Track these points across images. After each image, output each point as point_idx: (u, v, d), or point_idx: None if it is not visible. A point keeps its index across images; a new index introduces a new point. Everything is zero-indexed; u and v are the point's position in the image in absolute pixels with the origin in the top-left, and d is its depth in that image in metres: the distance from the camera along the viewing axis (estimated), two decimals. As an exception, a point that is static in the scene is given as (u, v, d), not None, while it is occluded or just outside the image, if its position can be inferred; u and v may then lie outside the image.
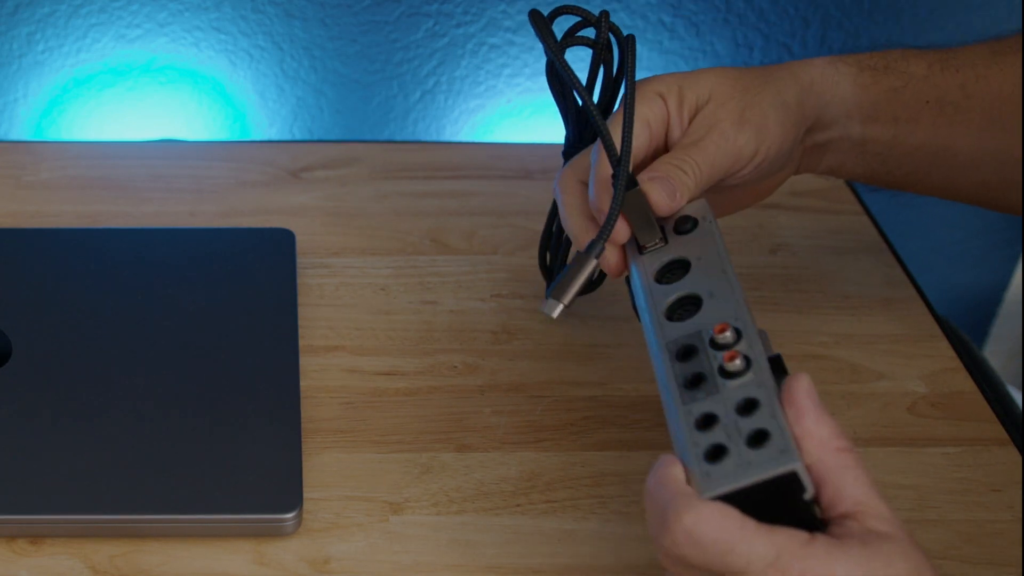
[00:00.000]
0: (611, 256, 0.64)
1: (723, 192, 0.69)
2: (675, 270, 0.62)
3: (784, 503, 0.52)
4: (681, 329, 0.59)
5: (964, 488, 0.68)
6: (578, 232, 0.65)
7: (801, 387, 0.53)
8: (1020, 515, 0.67)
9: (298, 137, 1.18)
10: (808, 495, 0.52)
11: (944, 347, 0.78)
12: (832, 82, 0.70)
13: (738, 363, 0.55)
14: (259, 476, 0.64)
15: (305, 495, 0.65)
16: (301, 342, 0.75)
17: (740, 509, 0.51)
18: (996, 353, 1.42)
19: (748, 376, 0.55)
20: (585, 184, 0.66)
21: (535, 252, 0.82)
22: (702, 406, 0.55)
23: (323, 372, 0.75)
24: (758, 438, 0.53)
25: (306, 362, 0.75)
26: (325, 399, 0.73)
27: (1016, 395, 1.30)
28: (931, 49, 0.73)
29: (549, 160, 0.95)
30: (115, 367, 0.71)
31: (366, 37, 1.13)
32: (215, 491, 0.64)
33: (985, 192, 0.75)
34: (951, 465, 0.70)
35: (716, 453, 0.53)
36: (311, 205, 0.89)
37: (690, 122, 0.67)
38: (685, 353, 0.58)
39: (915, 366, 0.76)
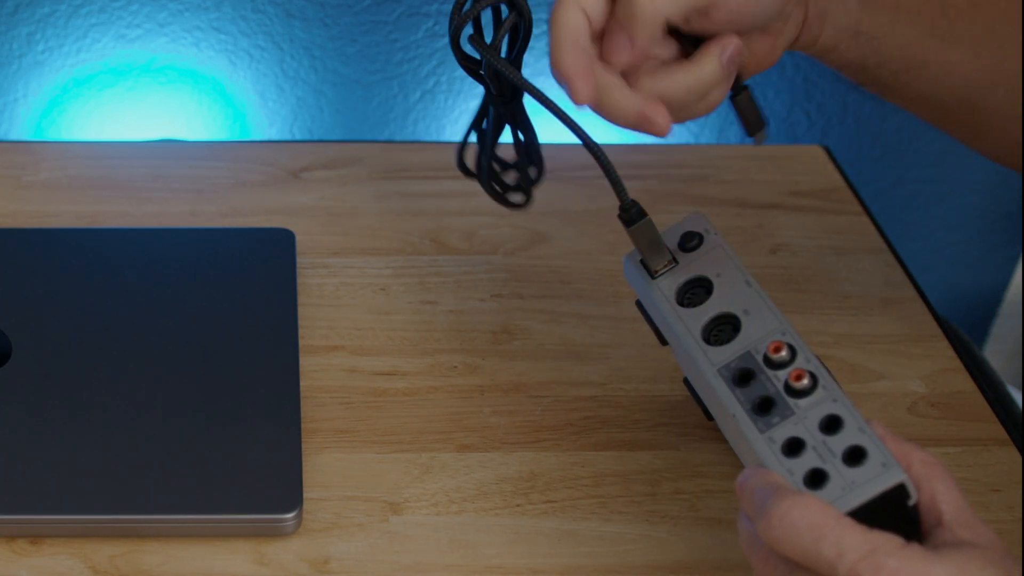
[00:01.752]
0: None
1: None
2: (696, 290, 0.61)
3: (889, 516, 0.51)
4: (729, 352, 0.58)
5: (964, 488, 0.68)
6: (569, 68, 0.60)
7: (876, 423, 0.54)
8: (1020, 515, 0.67)
9: (298, 137, 1.18)
10: (912, 500, 0.51)
11: (944, 347, 0.78)
12: None
13: (806, 381, 0.54)
14: (259, 476, 0.64)
15: (305, 495, 0.65)
16: (301, 342, 0.75)
17: None
18: (996, 353, 1.42)
19: (819, 392, 0.54)
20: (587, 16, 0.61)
21: (535, 252, 0.83)
22: (783, 431, 0.54)
23: (323, 372, 0.75)
24: (854, 455, 0.52)
25: (306, 362, 0.75)
26: (325, 399, 0.73)
27: (1016, 395, 1.30)
28: None
29: (549, 160, 0.95)
30: (115, 367, 0.71)
31: (366, 37, 1.13)
32: (215, 491, 0.64)
33: (969, 114, 0.73)
34: (951, 465, 0.70)
35: (816, 478, 0.52)
36: (311, 205, 0.89)
37: None
38: (743, 377, 0.57)
39: (915, 366, 0.76)
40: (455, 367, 0.75)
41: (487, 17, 0.66)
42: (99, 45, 1.10)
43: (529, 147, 0.71)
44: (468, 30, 0.67)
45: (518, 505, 0.67)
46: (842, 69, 0.72)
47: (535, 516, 0.66)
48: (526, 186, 0.71)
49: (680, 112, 0.64)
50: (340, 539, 0.64)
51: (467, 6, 0.64)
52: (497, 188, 0.71)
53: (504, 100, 0.68)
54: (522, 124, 0.70)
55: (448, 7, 1.11)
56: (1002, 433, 0.72)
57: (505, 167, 0.72)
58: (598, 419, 0.72)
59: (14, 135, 1.15)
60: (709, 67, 0.63)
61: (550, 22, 0.61)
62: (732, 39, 0.63)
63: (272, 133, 1.17)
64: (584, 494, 0.68)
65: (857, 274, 0.83)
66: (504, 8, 0.65)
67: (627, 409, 0.73)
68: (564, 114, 0.62)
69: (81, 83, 1.12)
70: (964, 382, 0.76)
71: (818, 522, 0.49)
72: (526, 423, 0.72)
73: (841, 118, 1.26)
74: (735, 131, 1.22)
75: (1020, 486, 0.69)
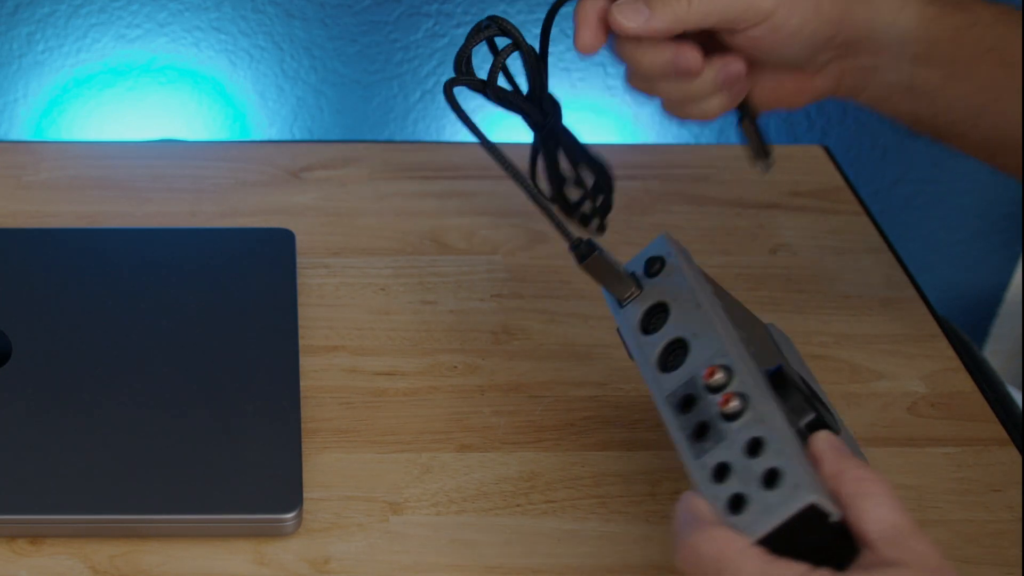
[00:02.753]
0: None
1: (751, 77, 0.67)
2: (656, 316, 0.61)
3: (814, 536, 0.51)
4: (676, 379, 0.58)
5: (964, 488, 0.68)
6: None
7: (819, 441, 0.53)
8: (1020, 515, 0.67)
9: (298, 137, 1.18)
10: (834, 518, 0.51)
11: (944, 347, 0.78)
12: (896, 6, 0.67)
13: (735, 404, 0.54)
14: (259, 476, 0.64)
15: (305, 495, 0.65)
16: (301, 342, 0.75)
17: (782, 552, 0.50)
18: (996, 353, 1.42)
19: (748, 415, 0.54)
20: None
21: (535, 252, 0.83)
22: (713, 456, 0.54)
23: (323, 372, 0.75)
24: (771, 478, 0.52)
25: (306, 362, 0.75)
26: (325, 399, 0.73)
27: (1016, 395, 1.30)
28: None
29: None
30: (115, 367, 0.71)
31: (366, 37, 1.13)
32: (215, 491, 0.64)
33: (975, 149, 0.72)
34: (951, 465, 0.70)
35: (736, 504, 0.52)
36: (311, 205, 0.89)
37: None
38: (685, 403, 0.57)
39: (915, 366, 0.76)
40: (455, 367, 0.76)
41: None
42: (99, 45, 1.10)
43: (580, 166, 0.72)
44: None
45: (518, 505, 0.67)
46: (895, 119, 0.72)
47: (535, 516, 0.66)
48: (599, 213, 0.72)
49: (671, 107, 0.64)
50: (340, 539, 0.64)
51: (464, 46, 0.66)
52: (575, 213, 0.73)
53: (539, 127, 0.70)
54: (566, 147, 0.71)
55: (448, 7, 1.11)
56: (1002, 433, 0.72)
57: (574, 205, 0.73)
58: (598, 419, 0.72)
59: (14, 135, 1.15)
60: (706, 76, 0.63)
61: None
62: (736, 61, 0.63)
63: (272, 133, 1.17)
64: (584, 494, 0.68)
65: (857, 274, 0.83)
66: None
67: (627, 409, 0.73)
68: (502, 158, 0.65)
69: (81, 83, 1.12)
70: (964, 382, 0.76)
71: (721, 555, 0.50)
72: (526, 423, 0.72)
73: (841, 118, 1.26)
74: (735, 131, 1.22)
75: (1020, 486, 0.69)
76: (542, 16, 1.15)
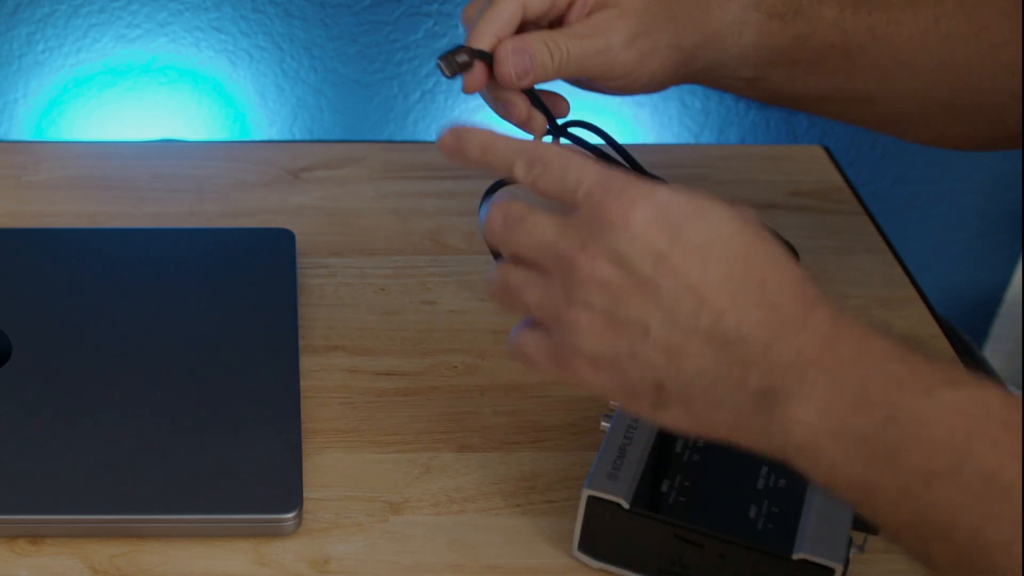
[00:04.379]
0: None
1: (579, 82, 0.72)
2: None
3: None
4: None
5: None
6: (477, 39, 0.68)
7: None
8: (1020, 515, 0.67)
9: (298, 137, 1.18)
10: None
11: (944, 347, 0.78)
12: (737, 32, 0.71)
13: None
14: (259, 476, 0.64)
15: (305, 495, 0.65)
16: (301, 342, 0.75)
17: None
18: (996, 353, 1.42)
19: None
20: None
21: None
22: None
23: (323, 372, 0.75)
24: None
25: (306, 362, 0.75)
26: (325, 399, 0.73)
27: (1016, 395, 1.30)
28: None
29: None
30: (115, 367, 0.71)
31: (366, 37, 1.13)
32: (215, 491, 0.64)
33: (878, 123, 0.77)
34: (951, 465, 0.70)
35: None
36: (311, 205, 0.89)
37: (590, 13, 0.68)
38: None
39: (915, 366, 0.76)
40: (455, 367, 0.75)
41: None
42: (99, 45, 1.10)
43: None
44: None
45: (518, 505, 0.67)
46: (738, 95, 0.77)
47: (535, 516, 0.66)
48: None
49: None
50: (340, 539, 0.64)
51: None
52: None
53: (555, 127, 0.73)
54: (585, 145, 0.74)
55: (448, 7, 1.11)
56: (1002, 433, 0.72)
57: None
58: (598, 419, 0.72)
59: (14, 135, 1.15)
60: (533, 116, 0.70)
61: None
62: (562, 104, 0.71)
63: (272, 133, 1.17)
64: (584, 494, 0.68)
65: (857, 274, 0.83)
66: None
67: (627, 409, 0.73)
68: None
69: (81, 83, 1.12)
70: (964, 382, 0.76)
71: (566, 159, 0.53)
72: (526, 423, 0.72)
73: (841, 118, 1.26)
74: (735, 131, 1.22)
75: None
76: (542, 16, 1.15)
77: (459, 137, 0.58)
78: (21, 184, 0.89)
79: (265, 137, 1.17)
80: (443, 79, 1.16)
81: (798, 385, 0.49)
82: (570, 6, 0.69)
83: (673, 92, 1.19)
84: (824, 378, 0.49)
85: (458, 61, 0.67)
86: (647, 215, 0.51)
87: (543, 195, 0.54)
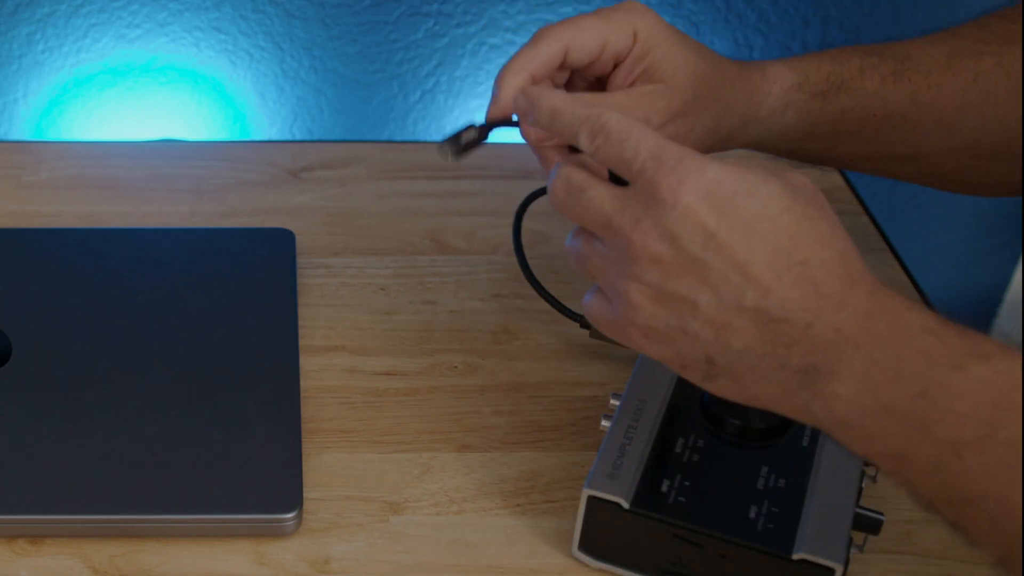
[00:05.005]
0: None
1: None
2: None
3: None
4: None
5: (964, 488, 0.68)
6: (506, 82, 0.65)
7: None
8: (1020, 515, 0.67)
9: (298, 137, 1.18)
10: None
11: (944, 347, 0.78)
12: (779, 114, 0.72)
13: None
14: (259, 476, 0.64)
15: (305, 495, 0.65)
16: (301, 342, 0.75)
17: None
18: (996, 353, 1.42)
19: None
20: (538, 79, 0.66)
21: (535, 252, 0.82)
22: None
23: (323, 372, 0.75)
24: None
25: (306, 362, 0.75)
26: (325, 399, 0.73)
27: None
28: (888, 51, 0.73)
29: (549, 160, 0.95)
30: (115, 367, 0.71)
31: (366, 37, 1.13)
32: (215, 491, 0.64)
33: (919, 179, 0.78)
34: (951, 465, 0.70)
35: None
36: (311, 205, 0.89)
37: (634, 82, 0.68)
38: None
39: (915, 366, 0.76)
40: (455, 367, 0.75)
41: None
42: (99, 45, 1.10)
43: None
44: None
45: (518, 505, 0.67)
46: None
47: (535, 516, 0.66)
48: None
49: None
50: (340, 539, 0.64)
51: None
52: None
53: None
54: None
55: (448, 7, 1.11)
56: (1002, 433, 0.72)
57: None
58: (598, 419, 0.72)
59: (14, 135, 1.15)
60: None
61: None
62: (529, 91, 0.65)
63: (272, 133, 1.17)
64: (584, 494, 0.68)
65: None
66: None
67: (627, 409, 0.73)
68: None
69: (81, 83, 1.12)
70: (964, 382, 0.76)
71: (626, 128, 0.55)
72: (526, 423, 0.72)
73: (841, 118, 1.26)
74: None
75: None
76: (542, 16, 1.16)
77: (532, 100, 0.59)
78: (21, 184, 0.89)
79: (265, 137, 1.17)
80: (443, 79, 1.17)
81: (837, 363, 0.50)
82: (617, 65, 0.68)
83: (673, 92, 1.19)
84: (860, 355, 0.50)
85: (462, 143, 0.65)
86: (697, 192, 0.52)
87: (604, 165, 0.56)
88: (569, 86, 0.70)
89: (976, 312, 1.41)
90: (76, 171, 0.91)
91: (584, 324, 0.75)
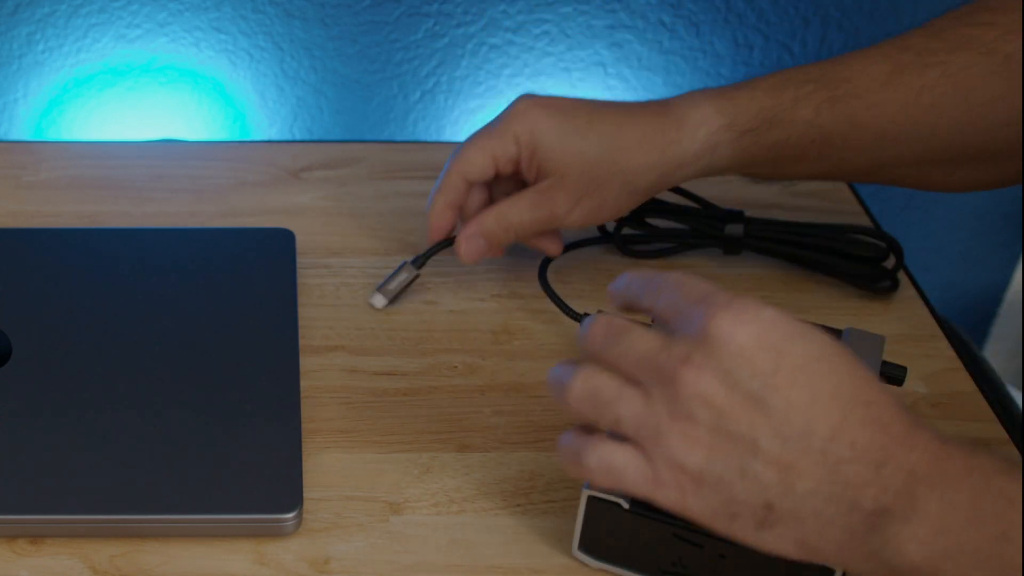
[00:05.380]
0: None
1: None
2: None
3: None
4: None
5: (964, 488, 0.68)
6: (435, 213, 0.76)
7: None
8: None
9: (298, 137, 1.18)
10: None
11: (944, 347, 0.78)
12: (709, 154, 0.73)
13: None
14: (259, 476, 0.64)
15: (305, 495, 0.65)
16: (301, 342, 0.75)
17: None
18: (996, 353, 1.42)
19: None
20: (469, 183, 0.75)
21: (535, 252, 0.82)
22: None
23: (323, 372, 0.75)
24: None
25: (306, 362, 0.75)
26: (325, 399, 0.73)
27: (1016, 395, 1.30)
28: (826, 75, 0.73)
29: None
30: (115, 367, 0.71)
31: (366, 37, 1.13)
32: (215, 491, 0.64)
33: (880, 183, 0.78)
34: (951, 465, 0.70)
35: None
36: (311, 205, 0.89)
37: (536, 178, 0.74)
38: None
39: (915, 366, 0.76)
40: (455, 367, 0.75)
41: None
42: (99, 45, 1.10)
43: None
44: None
45: (518, 505, 0.67)
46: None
47: (535, 516, 0.66)
48: None
49: None
50: (340, 539, 0.64)
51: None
52: None
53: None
54: None
55: (448, 7, 1.11)
56: (1002, 433, 0.72)
57: None
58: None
59: (14, 135, 1.15)
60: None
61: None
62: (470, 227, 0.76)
63: (272, 133, 1.17)
64: (584, 494, 0.67)
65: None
66: None
67: (627, 409, 0.73)
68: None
69: (81, 83, 1.12)
70: (964, 382, 0.76)
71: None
72: (526, 423, 0.72)
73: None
74: (735, 131, 1.22)
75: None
76: (542, 16, 1.16)
77: (612, 297, 0.59)
78: (21, 184, 0.89)
79: (265, 137, 1.17)
80: (443, 79, 1.17)
81: (911, 505, 0.49)
82: (518, 166, 0.74)
83: (673, 92, 1.19)
84: (936, 496, 0.49)
85: (392, 287, 0.78)
86: (752, 332, 0.50)
87: (659, 316, 0.55)
88: (496, 184, 0.76)
89: (976, 312, 1.41)
90: (76, 171, 0.91)
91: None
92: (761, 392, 0.50)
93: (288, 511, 0.63)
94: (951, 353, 0.78)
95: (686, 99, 0.73)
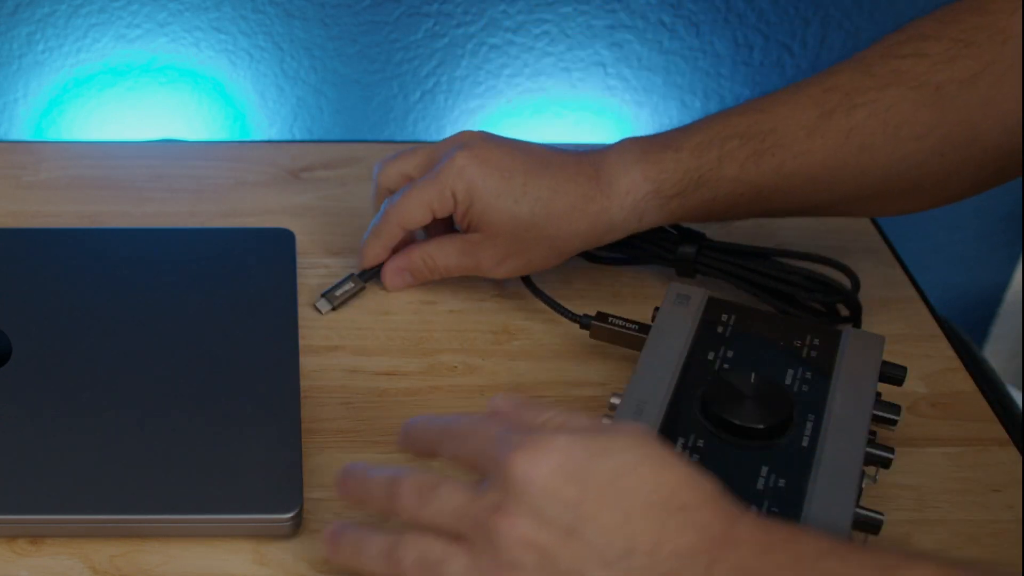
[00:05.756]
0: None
1: None
2: None
3: None
4: None
5: (964, 488, 0.68)
6: (370, 254, 0.79)
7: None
8: (1020, 515, 0.67)
9: (298, 137, 1.18)
10: None
11: (944, 347, 0.78)
12: (637, 219, 0.74)
13: None
14: (259, 476, 0.64)
15: (305, 495, 0.65)
16: (301, 342, 0.75)
17: None
18: (996, 353, 1.42)
19: None
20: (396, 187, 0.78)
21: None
22: None
23: (323, 372, 0.75)
24: None
25: (306, 362, 0.75)
26: (325, 399, 0.73)
27: (1016, 395, 1.30)
28: (752, 128, 0.73)
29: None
30: (115, 367, 0.71)
31: (366, 37, 1.13)
32: (215, 491, 0.64)
33: (800, 215, 0.78)
34: (951, 465, 0.70)
35: None
36: (311, 205, 0.89)
37: (468, 228, 0.76)
38: None
39: (915, 366, 0.76)
40: (455, 367, 0.75)
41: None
42: (99, 45, 1.10)
43: None
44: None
45: (518, 505, 0.67)
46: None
47: (535, 516, 0.66)
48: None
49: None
50: (340, 539, 0.64)
51: None
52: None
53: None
54: None
55: (448, 7, 1.11)
56: (1002, 433, 0.72)
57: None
58: (598, 419, 0.72)
59: (14, 135, 1.15)
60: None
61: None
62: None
63: (272, 133, 1.17)
64: (584, 494, 0.67)
65: (857, 274, 0.83)
66: None
67: (627, 409, 0.73)
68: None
69: (81, 83, 1.12)
70: (964, 382, 0.76)
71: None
72: (526, 423, 0.72)
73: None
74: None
75: (1020, 486, 0.69)
76: (542, 16, 1.16)
77: (405, 433, 0.61)
78: (21, 184, 0.89)
79: (265, 137, 1.17)
80: (443, 79, 1.17)
81: None
82: (453, 213, 0.75)
83: (673, 92, 1.19)
84: None
85: (341, 292, 0.79)
86: (550, 466, 0.51)
87: (463, 466, 0.56)
88: (432, 226, 0.79)
89: (976, 312, 1.41)
90: (76, 171, 0.91)
91: (584, 325, 0.75)
92: (574, 523, 0.50)
93: (288, 511, 0.63)
94: (951, 353, 0.78)
95: (618, 162, 0.74)
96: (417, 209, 0.76)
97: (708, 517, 0.51)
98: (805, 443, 0.63)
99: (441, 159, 0.76)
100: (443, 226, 0.79)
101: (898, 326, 0.79)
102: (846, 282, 0.78)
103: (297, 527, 0.64)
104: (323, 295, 0.79)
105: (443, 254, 0.77)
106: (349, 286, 0.79)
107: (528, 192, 0.73)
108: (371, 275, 0.80)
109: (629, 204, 0.74)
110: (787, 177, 0.72)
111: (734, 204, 0.74)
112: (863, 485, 0.62)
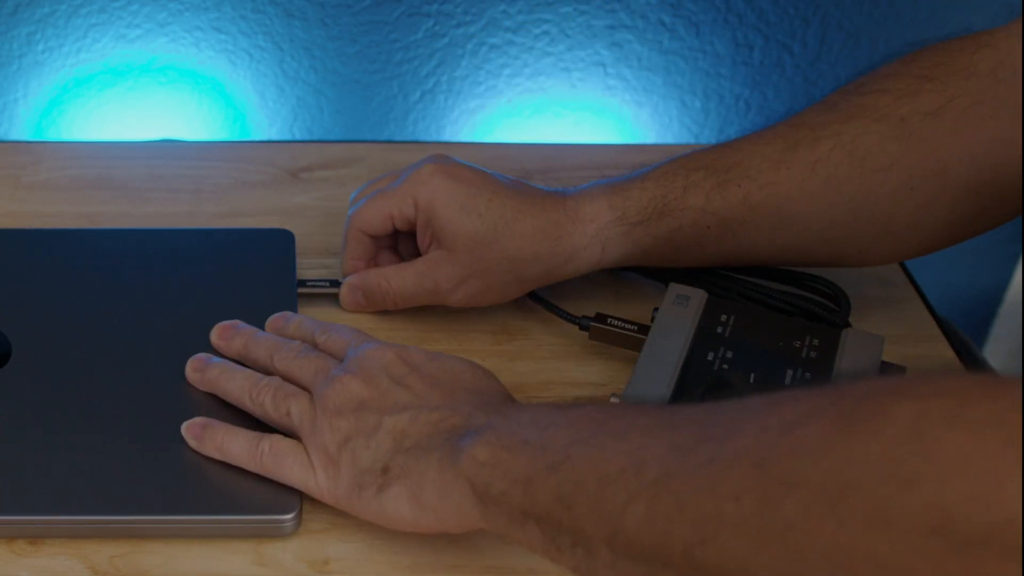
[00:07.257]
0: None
1: None
2: None
3: None
4: None
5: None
6: (346, 266, 0.80)
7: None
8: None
9: (298, 137, 1.18)
10: None
11: (944, 347, 0.78)
12: (600, 247, 0.73)
13: None
14: (259, 477, 0.64)
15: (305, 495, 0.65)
16: (301, 342, 0.75)
17: None
18: (996, 353, 1.42)
19: None
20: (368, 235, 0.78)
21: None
22: None
23: (323, 372, 0.74)
24: None
25: (306, 362, 0.74)
26: (325, 399, 0.72)
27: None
28: (717, 161, 0.73)
29: (549, 160, 0.95)
30: (115, 368, 0.71)
31: (366, 37, 1.13)
32: (215, 492, 0.64)
33: (776, 262, 0.77)
34: (951, 465, 0.70)
35: None
36: (311, 205, 0.89)
37: (428, 245, 0.75)
38: None
39: (915, 366, 0.76)
40: (455, 367, 0.75)
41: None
42: (99, 45, 1.10)
43: None
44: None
45: (518, 505, 0.67)
46: None
47: (535, 516, 0.66)
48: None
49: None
50: (340, 539, 0.64)
51: None
52: None
53: None
54: None
55: (448, 7, 1.11)
56: (1002, 433, 0.72)
57: None
58: (598, 419, 0.72)
59: (14, 135, 1.15)
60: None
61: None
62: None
63: (272, 133, 1.17)
64: (584, 494, 0.67)
65: (857, 274, 0.83)
66: None
67: (627, 409, 0.73)
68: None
69: (81, 83, 1.12)
70: (964, 382, 0.76)
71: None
72: (526, 423, 0.72)
73: (841, 118, 1.25)
74: (735, 131, 1.22)
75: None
76: (542, 16, 1.16)
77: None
78: (21, 184, 0.89)
79: (265, 137, 1.17)
80: (443, 79, 1.17)
81: (487, 423, 0.58)
82: (415, 228, 0.76)
83: (673, 92, 1.19)
84: (499, 422, 0.58)
85: (311, 283, 0.80)
86: (394, 352, 0.64)
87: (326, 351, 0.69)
88: (401, 241, 0.80)
89: (976, 312, 1.41)
90: (76, 171, 0.91)
91: (583, 326, 0.75)
92: (391, 388, 0.62)
93: (287, 512, 0.63)
94: (951, 353, 0.78)
95: (584, 193, 0.74)
96: (375, 215, 0.76)
97: (494, 400, 0.61)
98: None
99: (408, 169, 0.76)
100: (414, 250, 0.79)
101: (897, 326, 0.79)
102: (832, 303, 0.77)
103: (296, 528, 0.64)
104: (301, 281, 0.80)
105: (399, 277, 0.76)
106: (325, 285, 0.79)
107: (492, 208, 0.73)
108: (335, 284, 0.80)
109: (592, 231, 0.73)
110: (753, 208, 0.72)
111: (701, 237, 0.73)
112: None
